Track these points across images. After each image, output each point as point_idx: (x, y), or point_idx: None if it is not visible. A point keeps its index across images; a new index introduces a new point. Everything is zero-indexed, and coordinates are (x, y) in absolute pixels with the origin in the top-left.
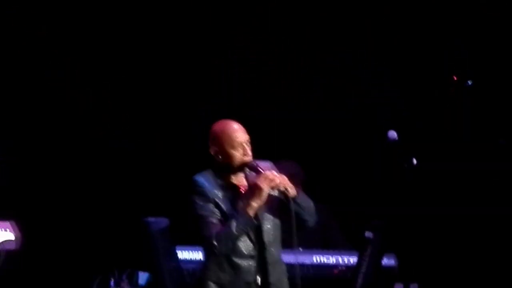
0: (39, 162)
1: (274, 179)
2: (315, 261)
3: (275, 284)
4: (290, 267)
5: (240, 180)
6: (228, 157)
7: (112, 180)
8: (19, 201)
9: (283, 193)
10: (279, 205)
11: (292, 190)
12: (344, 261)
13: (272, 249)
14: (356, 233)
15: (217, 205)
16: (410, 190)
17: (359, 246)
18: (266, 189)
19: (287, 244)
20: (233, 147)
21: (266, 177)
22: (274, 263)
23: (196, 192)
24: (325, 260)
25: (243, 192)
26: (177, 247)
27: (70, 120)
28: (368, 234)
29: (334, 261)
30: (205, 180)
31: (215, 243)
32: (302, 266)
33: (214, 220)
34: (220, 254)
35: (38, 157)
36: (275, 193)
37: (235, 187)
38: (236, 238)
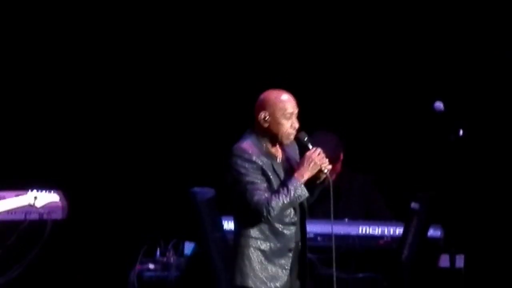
0: (87, 132)
1: (324, 158)
2: (360, 232)
3: (306, 251)
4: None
5: (276, 150)
6: (278, 125)
7: (158, 150)
8: (66, 171)
9: (322, 171)
10: None
11: (329, 167)
12: (390, 232)
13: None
14: (401, 205)
15: (263, 172)
16: (456, 161)
17: (404, 218)
18: (319, 165)
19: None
20: (285, 117)
21: (320, 154)
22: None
23: (244, 159)
24: (371, 231)
25: (279, 161)
26: (223, 217)
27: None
28: (414, 205)
29: (380, 232)
30: (251, 147)
31: (269, 210)
32: (348, 237)
33: (263, 187)
34: (268, 221)
35: (86, 128)
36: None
37: (273, 156)
38: (286, 208)
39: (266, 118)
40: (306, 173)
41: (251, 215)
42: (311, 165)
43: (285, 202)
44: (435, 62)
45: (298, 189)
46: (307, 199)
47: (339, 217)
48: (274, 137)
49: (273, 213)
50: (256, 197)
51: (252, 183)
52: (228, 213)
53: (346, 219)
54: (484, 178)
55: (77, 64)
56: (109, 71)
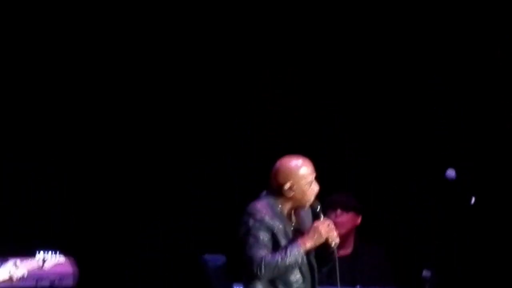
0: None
1: (332, 230)
2: None
3: None
4: None
5: (291, 214)
6: (303, 193)
7: (168, 216)
8: (74, 237)
9: (329, 244)
10: None
11: (337, 240)
12: None
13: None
14: (413, 273)
15: (273, 234)
16: (468, 228)
17: (415, 286)
18: (324, 237)
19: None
20: (309, 184)
21: (328, 226)
22: None
23: (256, 218)
24: None
25: (292, 227)
26: (234, 285)
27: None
28: (425, 273)
29: None
30: (265, 208)
31: (261, 266)
32: None
33: (266, 246)
34: (261, 279)
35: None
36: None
37: (288, 221)
38: (281, 270)
39: (293, 188)
40: (308, 242)
41: (247, 270)
42: (315, 235)
43: (279, 263)
44: (446, 129)
45: (295, 254)
46: (320, 267)
47: (355, 284)
48: (298, 204)
49: (263, 271)
50: (252, 251)
51: (256, 239)
52: (239, 280)
53: (358, 286)
54: (496, 245)
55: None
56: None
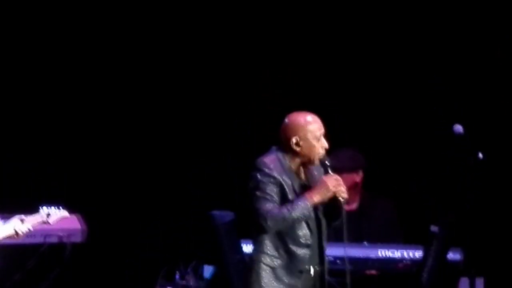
0: (105, 155)
1: (340, 185)
2: (380, 255)
3: (324, 273)
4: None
5: (300, 170)
6: (310, 148)
7: (178, 172)
8: (86, 194)
9: (338, 199)
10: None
11: (344, 195)
12: (409, 256)
13: (325, 241)
14: (421, 228)
15: (282, 189)
16: (476, 184)
17: (423, 241)
18: (332, 191)
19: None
20: (316, 139)
21: (337, 180)
22: (325, 254)
23: (264, 172)
24: (390, 254)
25: (302, 182)
26: (241, 240)
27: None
28: (433, 228)
29: (399, 256)
30: (273, 162)
31: (267, 219)
32: (367, 260)
33: (273, 199)
34: (268, 232)
35: (104, 150)
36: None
37: (296, 176)
38: (287, 223)
39: (299, 143)
40: (316, 196)
41: (254, 223)
42: (322, 189)
43: (286, 216)
44: (455, 85)
45: (303, 208)
46: (328, 222)
47: (362, 240)
48: (306, 159)
49: (270, 223)
50: (260, 205)
51: (264, 193)
52: (247, 236)
53: (365, 242)
54: (504, 201)
55: (96, 84)
56: (135, 96)
